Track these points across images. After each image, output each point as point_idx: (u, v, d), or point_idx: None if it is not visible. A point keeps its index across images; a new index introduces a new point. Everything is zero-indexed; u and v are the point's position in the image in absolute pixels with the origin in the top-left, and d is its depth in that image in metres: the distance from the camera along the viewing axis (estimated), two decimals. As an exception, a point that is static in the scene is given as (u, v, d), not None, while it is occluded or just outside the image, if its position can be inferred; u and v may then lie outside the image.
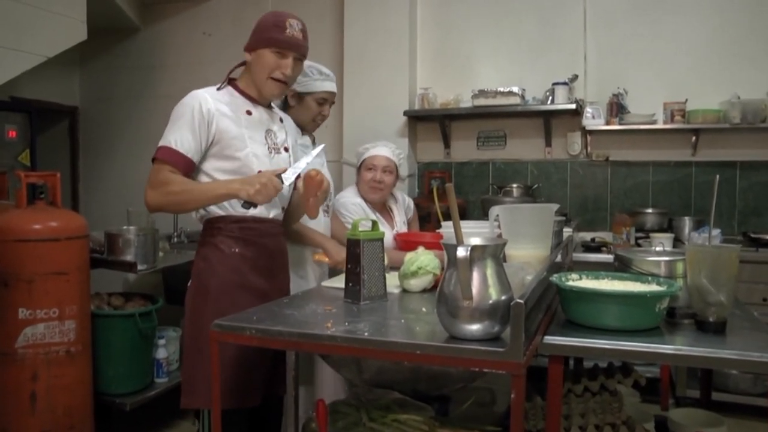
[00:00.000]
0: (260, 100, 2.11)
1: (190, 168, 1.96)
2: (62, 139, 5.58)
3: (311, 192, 1.96)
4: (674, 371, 3.35)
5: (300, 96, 2.48)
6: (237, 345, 1.71)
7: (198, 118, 1.94)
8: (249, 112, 2.05)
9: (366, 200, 2.84)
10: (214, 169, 1.99)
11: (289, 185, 1.93)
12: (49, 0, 3.84)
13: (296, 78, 2.14)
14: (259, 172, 1.97)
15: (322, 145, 2.15)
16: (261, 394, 2.03)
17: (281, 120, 2.20)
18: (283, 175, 1.89)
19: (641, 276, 1.70)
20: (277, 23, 2.00)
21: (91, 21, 4.12)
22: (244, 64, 2.10)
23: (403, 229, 2.95)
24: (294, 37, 2.01)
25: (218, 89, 2.06)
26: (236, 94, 2.07)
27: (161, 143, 1.95)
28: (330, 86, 2.52)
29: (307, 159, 1.94)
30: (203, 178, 2.00)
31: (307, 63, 2.50)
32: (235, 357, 1.89)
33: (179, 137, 1.93)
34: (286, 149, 2.16)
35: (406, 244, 2.54)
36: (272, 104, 2.21)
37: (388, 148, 2.91)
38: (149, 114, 5.17)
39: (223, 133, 1.97)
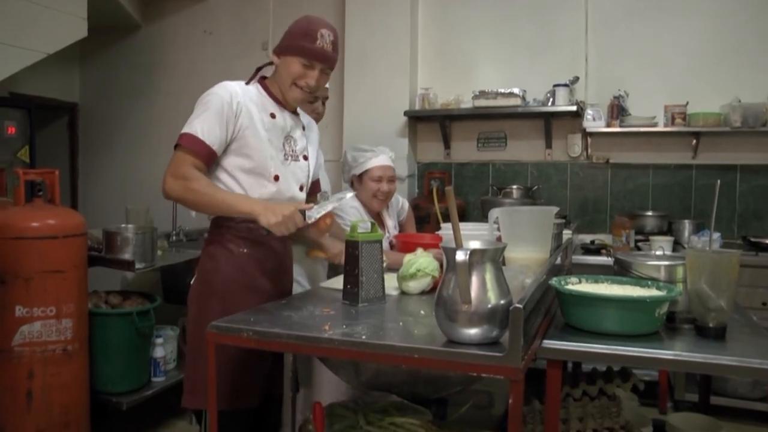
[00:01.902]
0: (286, 105, 2.08)
1: (212, 159, 1.92)
2: (62, 136, 5.58)
3: (316, 233, 2.05)
4: (673, 375, 3.34)
5: None
6: (236, 346, 1.70)
7: (227, 110, 1.91)
8: (273, 115, 2.02)
9: (365, 206, 2.81)
10: (233, 166, 1.97)
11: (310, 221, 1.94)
12: (49, -4, 3.84)
13: (321, 88, 2.10)
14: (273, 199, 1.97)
15: (352, 193, 2.36)
16: (260, 395, 2.02)
17: (304, 128, 2.16)
18: (307, 212, 1.89)
19: (641, 280, 1.69)
20: (308, 32, 1.96)
21: (92, 18, 4.11)
22: (272, 63, 2.07)
23: (395, 233, 2.92)
24: (324, 49, 1.97)
25: (247, 84, 2.03)
26: (264, 93, 2.04)
27: (186, 130, 1.90)
28: None
29: (334, 203, 1.99)
30: (221, 174, 1.98)
31: None
32: (235, 357, 1.88)
33: (206, 126, 1.89)
34: (306, 157, 2.13)
35: (405, 245, 2.53)
36: (299, 109, 2.18)
37: (387, 156, 2.84)
38: (149, 111, 5.17)
39: (246, 130, 1.95)
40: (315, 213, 1.92)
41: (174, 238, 4.15)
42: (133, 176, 5.14)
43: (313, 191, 2.29)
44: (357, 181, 2.84)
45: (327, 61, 2.01)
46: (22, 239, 2.65)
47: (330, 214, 1.99)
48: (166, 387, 3.25)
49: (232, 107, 1.92)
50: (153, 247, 3.23)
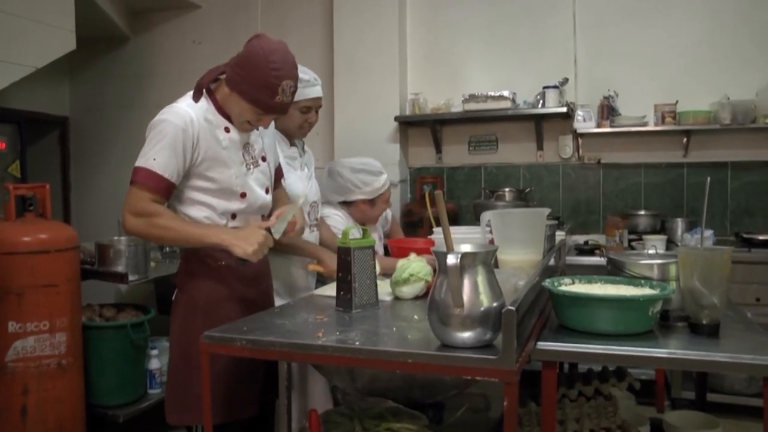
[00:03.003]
0: None
1: (170, 191, 1.87)
2: (53, 150, 5.55)
3: (289, 236, 1.99)
4: (669, 373, 3.34)
5: None
6: (228, 356, 1.69)
7: (183, 138, 1.83)
8: (227, 129, 1.95)
9: (362, 225, 2.78)
10: (198, 188, 1.92)
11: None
12: (37, 10, 3.82)
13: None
14: (236, 224, 1.96)
15: (303, 199, 2.23)
16: (257, 404, 2.00)
17: (257, 128, 2.09)
18: (272, 229, 1.87)
19: (634, 279, 1.69)
20: (269, 85, 1.82)
21: (80, 30, 4.10)
22: (220, 73, 1.98)
23: (380, 245, 2.90)
24: (282, 103, 1.87)
25: (196, 101, 1.93)
26: (214, 110, 1.94)
27: (141, 164, 1.84)
28: (313, 92, 2.36)
29: (293, 211, 1.95)
30: (187, 195, 1.93)
31: None
32: (227, 368, 1.87)
33: (161, 158, 1.82)
34: (264, 158, 2.08)
35: (398, 250, 2.53)
36: None
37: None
38: (140, 123, 5.04)
39: (207, 154, 1.89)
40: (279, 229, 1.91)
41: (167, 249, 4.12)
42: (125, 188, 5.04)
43: (277, 178, 2.22)
44: (366, 204, 2.76)
45: (283, 112, 1.94)
46: (14, 254, 2.65)
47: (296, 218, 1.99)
48: (163, 399, 3.22)
49: (188, 134, 1.84)
50: (146, 259, 3.22)
